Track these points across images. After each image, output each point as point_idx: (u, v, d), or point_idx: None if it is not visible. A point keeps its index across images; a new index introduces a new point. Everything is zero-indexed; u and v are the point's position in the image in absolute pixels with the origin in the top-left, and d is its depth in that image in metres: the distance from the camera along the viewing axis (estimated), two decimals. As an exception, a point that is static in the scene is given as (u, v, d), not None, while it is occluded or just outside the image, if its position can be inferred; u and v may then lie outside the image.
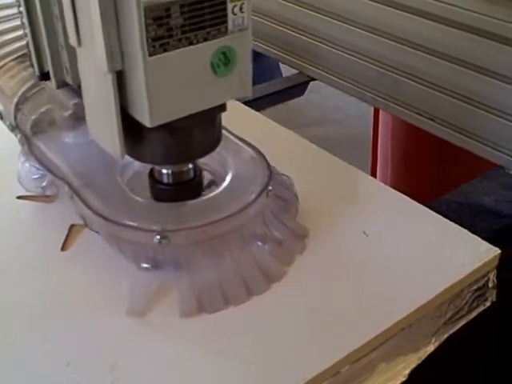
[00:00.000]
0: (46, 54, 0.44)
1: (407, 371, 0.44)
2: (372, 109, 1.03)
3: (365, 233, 0.49)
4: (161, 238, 0.42)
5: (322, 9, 0.73)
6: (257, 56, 0.89)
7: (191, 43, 0.37)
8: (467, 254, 0.47)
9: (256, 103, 0.75)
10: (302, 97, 0.88)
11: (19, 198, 0.54)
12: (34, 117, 0.49)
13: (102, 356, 0.40)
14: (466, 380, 0.56)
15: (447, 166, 0.89)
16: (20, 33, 0.49)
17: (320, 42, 0.75)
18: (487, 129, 0.61)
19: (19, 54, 0.50)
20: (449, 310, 0.46)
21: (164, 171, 0.45)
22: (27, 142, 0.49)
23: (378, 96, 0.70)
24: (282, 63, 0.84)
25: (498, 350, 0.60)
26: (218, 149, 0.44)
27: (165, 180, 0.45)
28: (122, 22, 0.36)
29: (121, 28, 0.37)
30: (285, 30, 0.78)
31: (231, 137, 0.50)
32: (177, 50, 0.37)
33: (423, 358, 0.45)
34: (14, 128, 0.50)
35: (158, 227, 0.42)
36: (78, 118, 0.47)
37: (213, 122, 0.43)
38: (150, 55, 0.36)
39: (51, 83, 0.46)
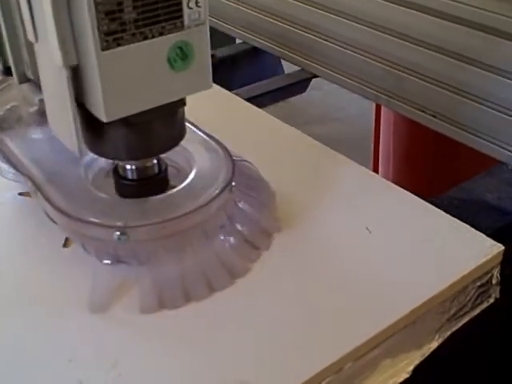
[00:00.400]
0: (7, 49, 0.44)
1: (410, 368, 0.44)
2: (374, 106, 1.03)
3: (367, 229, 0.49)
4: (120, 234, 0.42)
5: (323, 5, 0.72)
6: (258, 53, 0.89)
7: (146, 38, 0.37)
8: (471, 250, 0.47)
9: (258, 100, 0.75)
10: (303, 94, 0.88)
11: (20, 194, 0.54)
12: (0, 113, 0.49)
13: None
14: (469, 377, 0.56)
15: (449, 163, 0.89)
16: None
17: (322, 39, 0.74)
18: (490, 125, 0.61)
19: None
20: (452, 306, 0.46)
21: (128, 167, 0.45)
22: None
23: (381, 93, 0.70)
24: (284, 60, 0.84)
25: (501, 347, 0.59)
26: (183, 144, 0.45)
27: (129, 176, 0.45)
28: (74, 16, 0.36)
29: (74, 22, 0.36)
30: (286, 26, 0.78)
31: (198, 132, 0.50)
32: (131, 45, 0.37)
33: (426, 355, 0.45)
34: None
35: (120, 223, 0.42)
36: (44, 113, 0.46)
37: (174, 116, 0.42)
38: (103, 50, 0.36)
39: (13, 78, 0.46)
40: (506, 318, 0.55)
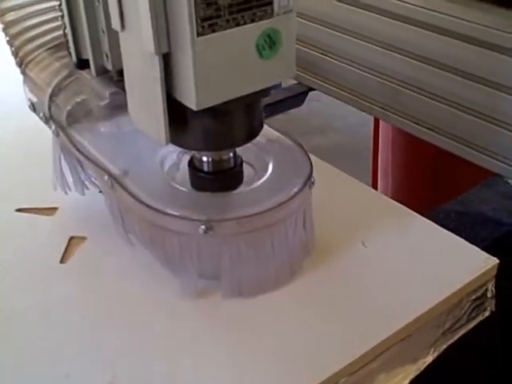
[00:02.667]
0: (86, 41, 0.44)
1: (406, 382, 0.44)
2: (373, 117, 1.03)
3: (363, 244, 0.49)
4: (206, 228, 0.42)
5: (320, 19, 0.73)
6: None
7: (238, 24, 0.37)
8: (466, 263, 0.47)
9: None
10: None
11: (18, 210, 0.54)
12: (68, 107, 0.48)
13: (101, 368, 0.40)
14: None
15: (447, 176, 0.89)
16: (49, 27, 0.50)
17: (318, 53, 0.75)
18: (486, 138, 0.61)
19: (50, 45, 0.50)
20: (447, 320, 0.46)
21: (204, 159, 0.45)
22: (63, 133, 0.49)
23: (377, 106, 0.71)
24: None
25: (500, 359, 0.60)
26: (256, 140, 0.44)
27: (205, 168, 0.45)
28: (169, 2, 0.36)
29: (168, 8, 0.36)
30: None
31: (268, 127, 0.48)
32: (224, 31, 0.37)
33: (422, 369, 0.45)
34: (48, 119, 0.50)
35: (203, 217, 0.42)
36: (115, 107, 0.47)
37: (256, 106, 0.42)
38: (199, 35, 0.36)
39: (90, 71, 0.46)
40: (501, 330, 0.55)
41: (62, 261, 0.49)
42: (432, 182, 0.91)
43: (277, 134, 0.49)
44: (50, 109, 0.49)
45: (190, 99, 0.37)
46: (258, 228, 0.43)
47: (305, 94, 0.79)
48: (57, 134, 0.50)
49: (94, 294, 0.46)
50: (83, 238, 0.51)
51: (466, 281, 0.46)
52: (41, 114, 0.51)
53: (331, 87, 0.75)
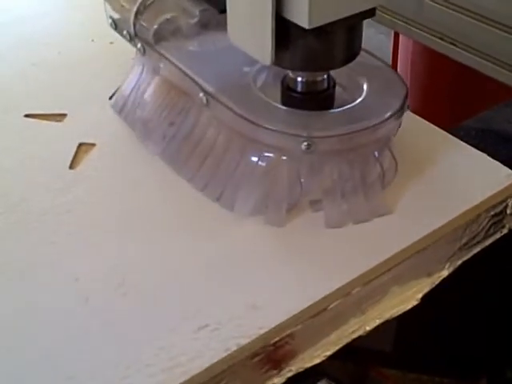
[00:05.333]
0: None
1: (420, 295, 0.43)
2: (392, 42, 1.00)
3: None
4: (308, 144, 0.41)
5: None
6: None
7: None
8: (486, 178, 0.46)
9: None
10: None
11: (27, 116, 0.53)
12: (156, 25, 0.47)
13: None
14: (479, 308, 0.56)
15: (468, 99, 0.86)
16: None
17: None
18: (510, 53, 0.59)
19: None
20: (464, 235, 0.45)
21: (299, 79, 0.44)
22: (152, 50, 0.48)
23: (400, 20, 0.68)
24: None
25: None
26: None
27: (299, 88, 0.44)
28: None
29: None
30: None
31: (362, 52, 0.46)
32: None
33: (436, 283, 0.44)
34: (133, 37, 0.49)
35: (304, 133, 0.41)
36: (204, 25, 0.46)
37: (358, 28, 0.41)
38: None
39: None
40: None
41: (71, 167, 0.48)
42: (452, 102, 0.89)
43: (366, 54, 0.47)
44: (135, 27, 0.48)
45: (302, 17, 0.36)
46: (358, 145, 0.42)
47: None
48: (143, 52, 0.49)
49: (104, 199, 0.45)
50: (93, 145, 0.50)
51: (485, 196, 0.45)
52: (124, 32, 0.49)
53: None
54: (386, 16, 0.69)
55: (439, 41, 0.64)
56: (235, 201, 0.44)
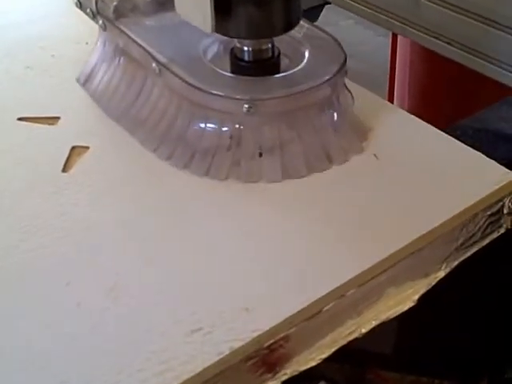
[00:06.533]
0: None
1: (416, 296, 0.43)
2: (390, 42, 1.00)
3: (375, 155, 0.47)
4: (249, 106, 0.43)
5: None
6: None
7: None
8: (482, 177, 0.45)
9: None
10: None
11: (20, 119, 0.52)
12: (115, 2, 0.51)
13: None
14: (477, 309, 0.55)
15: (467, 99, 0.86)
16: None
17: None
18: (507, 52, 0.58)
19: None
20: (461, 235, 0.45)
21: (245, 48, 0.47)
22: (111, 26, 0.51)
23: (396, 20, 0.67)
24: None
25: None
26: (292, 33, 0.47)
27: (245, 57, 0.47)
28: None
29: None
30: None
31: (304, 22, 0.50)
32: None
33: (433, 284, 0.44)
34: (95, 14, 0.52)
35: (247, 96, 0.44)
36: (161, 3, 0.51)
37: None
38: None
39: None
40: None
41: (64, 170, 0.47)
42: (450, 104, 0.89)
43: (312, 27, 0.50)
44: (96, 4, 0.52)
45: None
46: (298, 107, 0.45)
47: (319, 7, 0.76)
48: (104, 28, 0.52)
49: (97, 203, 0.45)
50: (86, 148, 0.49)
51: (481, 195, 0.44)
52: (87, 10, 0.53)
53: (347, 0, 0.72)
54: (382, 16, 0.68)
55: (436, 40, 0.64)
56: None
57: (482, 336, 0.58)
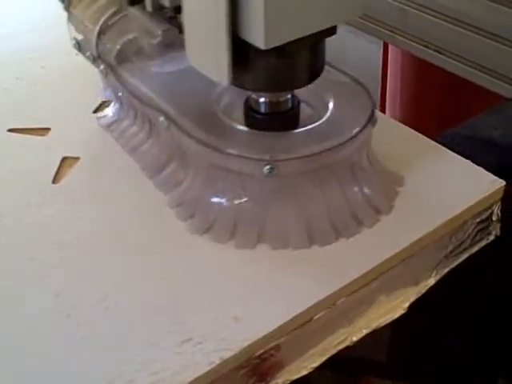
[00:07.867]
0: None
1: (406, 304, 0.43)
2: (381, 50, 1.00)
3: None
4: (270, 168, 0.40)
5: None
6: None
7: None
8: (471, 185, 0.46)
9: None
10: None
11: (10, 130, 0.52)
12: (118, 46, 0.47)
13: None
14: (466, 318, 0.55)
15: (458, 107, 0.86)
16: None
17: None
18: (496, 60, 0.59)
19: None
20: (450, 242, 0.45)
21: (262, 100, 0.42)
22: (112, 72, 0.47)
23: (385, 28, 0.68)
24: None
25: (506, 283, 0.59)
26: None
27: (262, 109, 0.43)
28: None
29: None
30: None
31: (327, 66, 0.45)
32: None
33: (423, 292, 0.44)
34: (96, 58, 0.48)
35: (267, 156, 0.40)
36: (167, 45, 0.46)
37: (321, 47, 0.40)
38: None
39: (139, 7, 0.43)
40: (505, 256, 0.54)
41: (54, 181, 0.47)
42: (441, 110, 0.89)
43: (334, 71, 0.46)
44: (97, 47, 0.48)
45: (258, 38, 0.35)
46: (322, 167, 0.41)
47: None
48: (105, 74, 0.48)
49: (86, 214, 0.45)
50: (76, 159, 0.49)
51: (470, 202, 0.44)
52: (87, 54, 0.49)
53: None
54: (371, 25, 0.69)
55: (424, 48, 0.64)
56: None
57: (475, 344, 0.58)
